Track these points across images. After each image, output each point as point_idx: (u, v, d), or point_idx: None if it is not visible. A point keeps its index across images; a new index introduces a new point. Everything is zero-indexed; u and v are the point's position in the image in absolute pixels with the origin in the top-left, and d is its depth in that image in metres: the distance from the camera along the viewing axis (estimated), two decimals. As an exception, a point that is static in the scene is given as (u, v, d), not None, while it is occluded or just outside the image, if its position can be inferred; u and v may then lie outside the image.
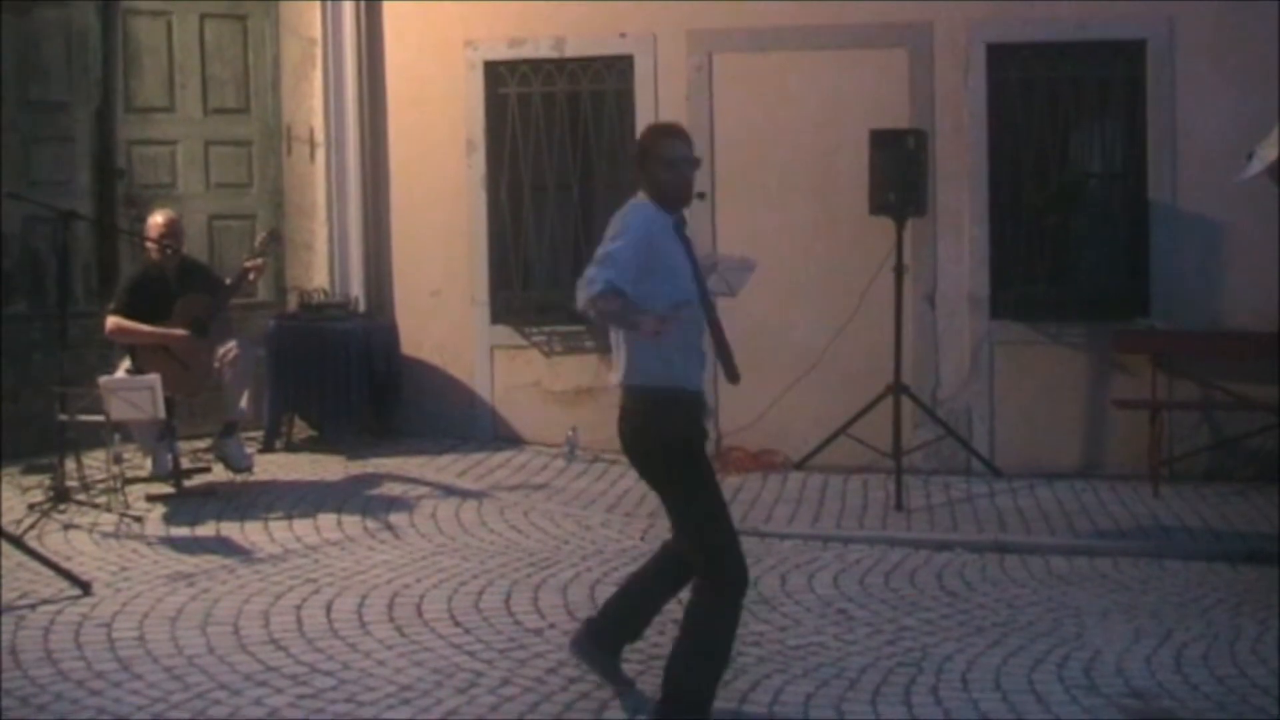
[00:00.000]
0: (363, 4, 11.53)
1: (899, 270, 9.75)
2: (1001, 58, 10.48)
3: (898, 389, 9.82)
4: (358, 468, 10.39)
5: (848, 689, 6.31)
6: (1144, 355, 10.15)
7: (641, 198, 5.79)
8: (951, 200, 10.44)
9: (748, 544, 8.43)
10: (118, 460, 9.01)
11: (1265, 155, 7.56)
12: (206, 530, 8.77)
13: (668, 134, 5.85)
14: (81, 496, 8.97)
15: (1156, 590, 7.76)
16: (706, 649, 5.60)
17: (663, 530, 8.84)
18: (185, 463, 9.74)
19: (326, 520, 8.99)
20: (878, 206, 9.82)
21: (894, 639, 6.95)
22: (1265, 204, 9.00)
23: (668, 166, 5.72)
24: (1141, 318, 10.30)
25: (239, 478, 9.85)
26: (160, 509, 9.14)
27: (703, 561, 5.65)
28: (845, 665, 6.58)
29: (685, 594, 5.77)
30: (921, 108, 10.46)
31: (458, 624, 7.11)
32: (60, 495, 8.85)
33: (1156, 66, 10.24)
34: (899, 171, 9.74)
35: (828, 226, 10.54)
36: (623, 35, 11.01)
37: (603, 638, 6.12)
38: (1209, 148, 9.98)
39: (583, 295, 5.44)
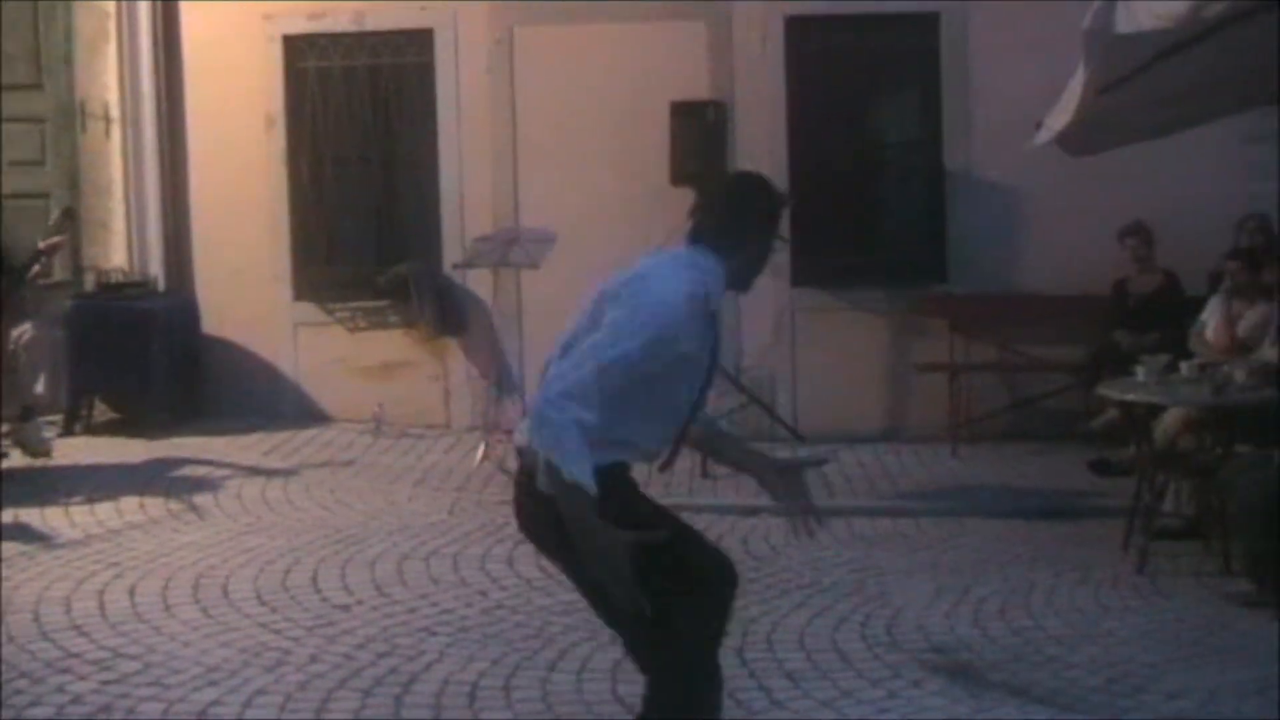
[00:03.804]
0: (158, -26, 11.34)
1: (702, 240, 9.81)
2: (800, 30, 10.60)
3: (702, 358, 9.89)
4: (161, 449, 10.24)
5: (656, 654, 6.36)
6: (942, 320, 10.35)
7: (700, 251, 4.27)
8: (752, 169, 10.51)
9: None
10: (-90, 447, 8.81)
11: (1054, 124, 7.72)
12: (4, 517, 8.57)
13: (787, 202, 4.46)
14: (-128, 485, 8.75)
15: (956, 548, 7.94)
16: None
17: (468, 503, 8.89)
18: (-19, 448, 9.55)
19: (129, 503, 8.85)
20: (679, 177, 9.89)
21: (701, 604, 7.01)
22: (1057, 171, 9.22)
23: (770, 246, 4.36)
24: (939, 283, 10.51)
25: (38, 462, 9.66)
26: (-44, 496, 8.95)
27: None
28: (653, 631, 6.63)
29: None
30: (721, 80, 10.55)
31: (264, 603, 7.04)
32: None
33: (950, 38, 10.43)
34: (700, 142, 9.83)
35: (630, 197, 10.57)
36: (422, 8, 10.95)
37: None
38: (1003, 116, 10.14)
39: (551, 450, 3.88)
